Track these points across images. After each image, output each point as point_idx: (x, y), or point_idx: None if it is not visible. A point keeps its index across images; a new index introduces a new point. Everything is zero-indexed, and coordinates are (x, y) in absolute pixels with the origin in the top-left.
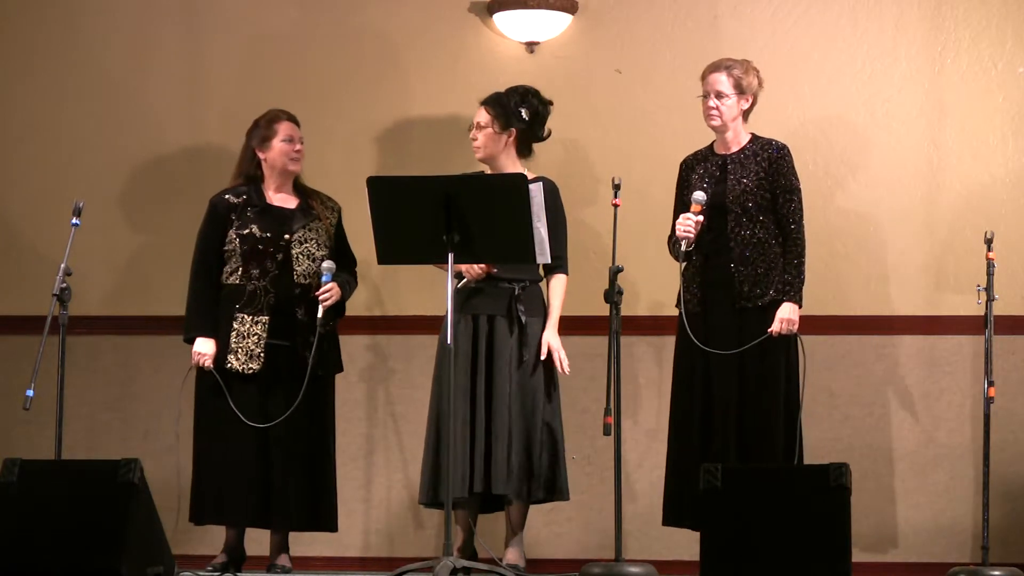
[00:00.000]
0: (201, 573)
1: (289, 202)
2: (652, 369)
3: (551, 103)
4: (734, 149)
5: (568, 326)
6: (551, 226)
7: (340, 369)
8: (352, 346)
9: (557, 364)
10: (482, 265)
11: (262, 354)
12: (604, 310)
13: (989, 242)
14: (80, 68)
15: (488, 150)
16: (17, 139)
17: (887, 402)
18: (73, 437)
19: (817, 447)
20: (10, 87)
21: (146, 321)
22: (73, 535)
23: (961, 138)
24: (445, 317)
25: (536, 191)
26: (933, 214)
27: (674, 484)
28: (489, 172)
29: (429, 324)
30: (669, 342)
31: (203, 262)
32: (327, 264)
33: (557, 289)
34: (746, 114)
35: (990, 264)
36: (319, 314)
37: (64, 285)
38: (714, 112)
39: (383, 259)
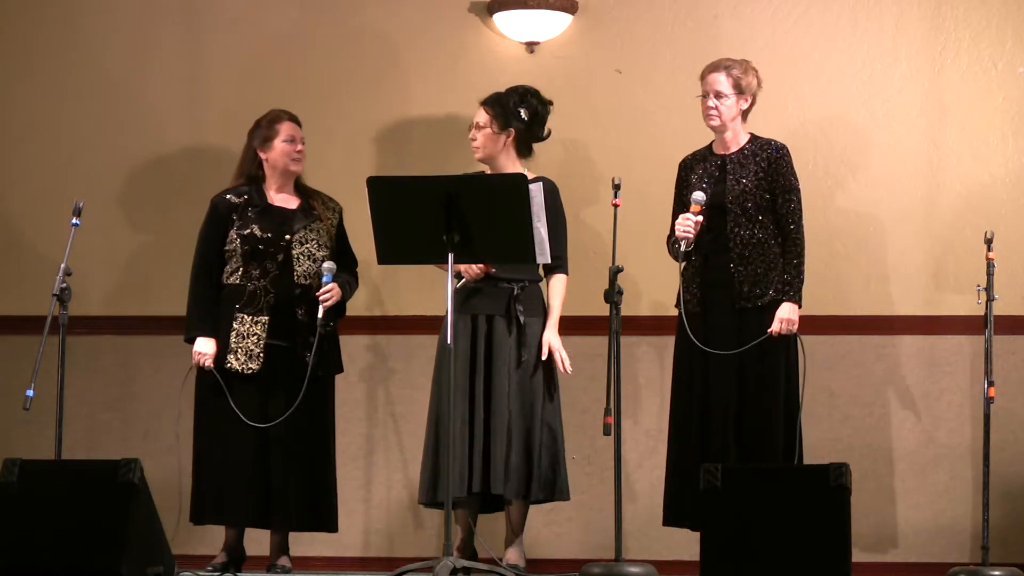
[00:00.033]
0: (201, 573)
1: (290, 202)
2: (652, 369)
3: (551, 103)
4: (733, 149)
5: (568, 326)
6: (551, 226)
7: (340, 370)
8: (352, 346)
9: (558, 364)
10: (480, 265)
11: (261, 354)
12: (604, 310)
13: (989, 242)
14: (80, 68)
15: (487, 150)
16: (17, 139)
17: (887, 402)
18: (73, 437)
19: (817, 447)
20: (10, 87)
21: (146, 321)
22: (73, 535)
23: (961, 138)
24: (445, 317)
25: (536, 191)
26: (933, 214)
27: (674, 484)
28: (489, 172)
29: (429, 324)
30: (669, 342)
31: (204, 262)
32: (328, 265)
33: (557, 289)
34: (745, 114)
35: (990, 264)
36: (319, 314)
37: (64, 285)
38: (713, 112)
39: (383, 259)
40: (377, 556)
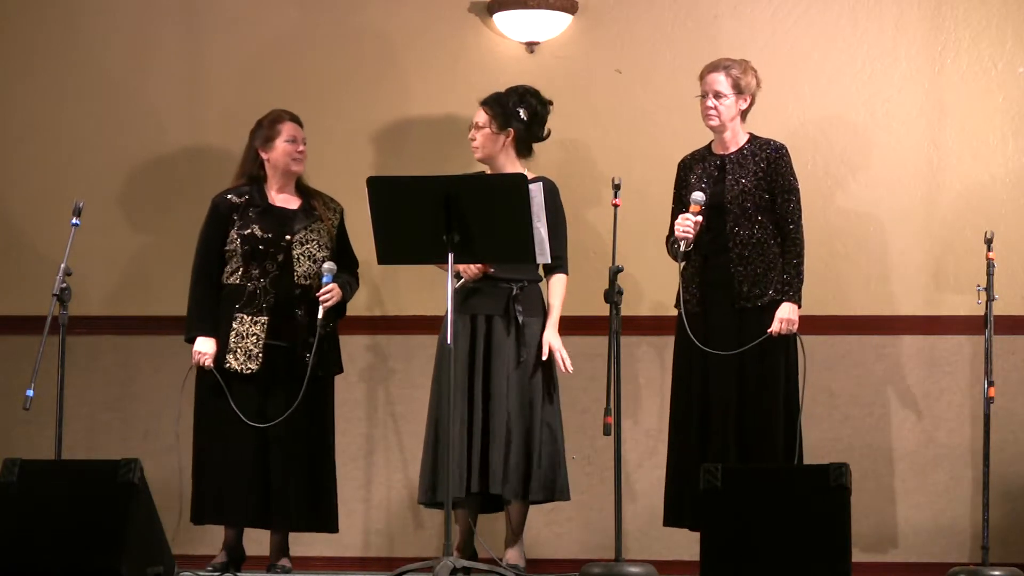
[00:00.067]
0: (201, 573)
1: (291, 203)
2: (652, 369)
3: (550, 103)
4: (732, 149)
5: (568, 326)
6: (551, 226)
7: (340, 370)
8: (352, 346)
9: (559, 363)
10: (478, 265)
11: (260, 354)
12: (604, 310)
13: (989, 242)
14: (80, 68)
15: (486, 150)
16: (17, 139)
17: (887, 402)
18: (73, 437)
19: (817, 447)
20: (10, 87)
21: (146, 321)
22: (73, 535)
23: (961, 138)
24: (445, 317)
25: (536, 191)
26: (933, 214)
27: (675, 485)
28: (489, 172)
29: (429, 324)
30: (669, 342)
31: (204, 262)
32: (328, 265)
33: (557, 289)
34: (744, 114)
35: (990, 264)
36: (319, 315)
37: (64, 285)
38: (712, 112)
39: (383, 259)
40: (377, 556)
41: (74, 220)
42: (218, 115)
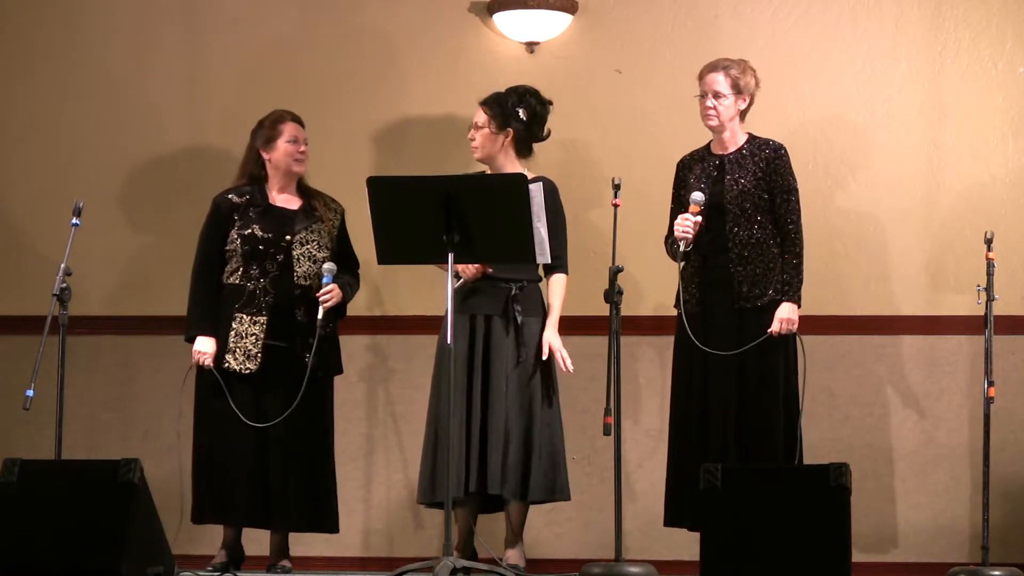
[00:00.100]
0: (201, 573)
1: (292, 203)
2: (652, 369)
3: (550, 103)
4: (731, 149)
5: (568, 326)
6: (551, 226)
7: (340, 371)
8: (352, 346)
9: (559, 363)
10: (477, 265)
11: (259, 355)
12: (604, 310)
13: (989, 242)
14: (80, 68)
15: (485, 150)
16: (17, 139)
17: (887, 402)
18: (73, 437)
19: (817, 447)
20: (10, 87)
21: (146, 321)
22: (73, 535)
23: (961, 138)
24: (445, 317)
25: (536, 191)
26: (933, 214)
27: (675, 485)
28: (489, 172)
29: (429, 324)
30: (670, 342)
31: (205, 261)
32: (328, 266)
33: (557, 289)
34: (743, 114)
35: (990, 264)
36: (319, 316)
37: (64, 285)
38: (711, 112)
39: (383, 259)
40: (377, 556)
41: (74, 220)
42: (218, 115)
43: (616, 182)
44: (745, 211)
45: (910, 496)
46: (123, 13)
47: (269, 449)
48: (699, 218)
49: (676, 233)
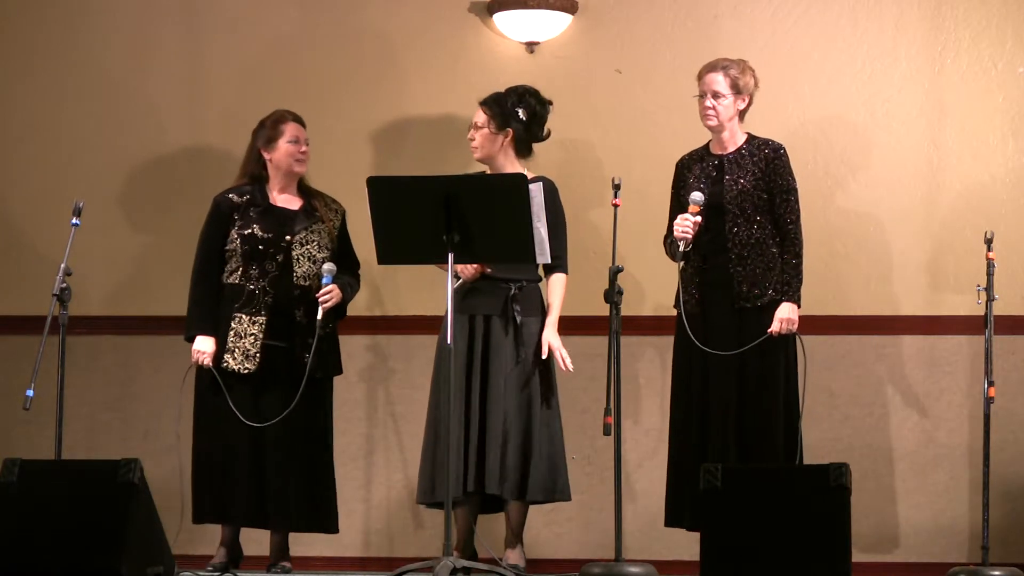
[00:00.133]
0: (201, 573)
1: (292, 203)
2: (652, 369)
3: (550, 103)
4: (730, 149)
5: (568, 326)
6: (551, 226)
7: (339, 371)
8: (352, 346)
9: (559, 362)
10: (475, 265)
11: (258, 355)
12: (604, 310)
13: (989, 242)
14: (80, 68)
15: (485, 150)
16: (17, 139)
17: (887, 402)
18: (73, 437)
19: (817, 447)
20: (10, 87)
21: (146, 321)
22: (73, 535)
23: (961, 138)
24: (444, 317)
25: (536, 191)
26: (933, 214)
27: (675, 485)
28: (489, 172)
29: (429, 324)
30: (670, 342)
31: (205, 261)
32: (328, 266)
33: (557, 288)
34: (742, 114)
35: (990, 264)
36: (318, 316)
37: (64, 285)
38: (710, 112)
39: (383, 259)
40: (377, 556)
41: (74, 220)
42: (218, 115)
43: (616, 182)
44: (744, 211)
45: (910, 496)
46: (123, 13)
47: (268, 449)
48: (698, 218)
49: (675, 233)
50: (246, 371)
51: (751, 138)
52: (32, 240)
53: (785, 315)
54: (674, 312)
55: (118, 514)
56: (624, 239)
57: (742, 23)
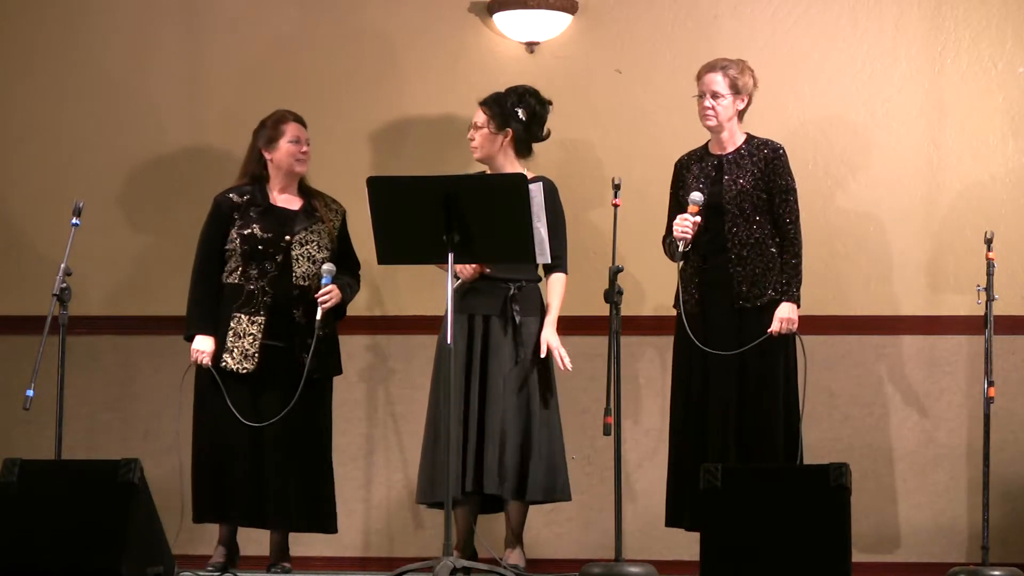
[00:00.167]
0: (201, 573)
1: (293, 203)
2: (652, 369)
3: (550, 103)
4: (729, 149)
5: (568, 326)
6: (551, 226)
7: (339, 372)
8: (352, 346)
9: (558, 361)
10: (474, 265)
11: (257, 355)
12: (604, 310)
13: (989, 242)
14: (80, 68)
15: (485, 150)
16: (17, 139)
17: (887, 402)
18: (73, 437)
19: (817, 447)
20: (10, 87)
21: (146, 321)
22: (73, 535)
23: (961, 138)
24: (444, 317)
25: (536, 191)
26: (933, 214)
27: (676, 485)
28: (489, 172)
29: (429, 324)
30: (670, 342)
31: (205, 260)
32: (327, 267)
33: (556, 288)
34: (741, 114)
35: (990, 264)
36: (318, 316)
37: (64, 285)
38: (710, 112)
39: (383, 259)
40: (377, 556)
41: (74, 220)
42: (218, 115)
43: (616, 182)
44: (744, 211)
45: (910, 496)
46: (123, 13)
47: (267, 449)
48: (698, 218)
49: (675, 233)
50: (244, 371)
51: (750, 138)
52: (32, 240)
53: (785, 315)
54: (674, 312)
55: (118, 514)
56: (624, 239)
57: (742, 23)
